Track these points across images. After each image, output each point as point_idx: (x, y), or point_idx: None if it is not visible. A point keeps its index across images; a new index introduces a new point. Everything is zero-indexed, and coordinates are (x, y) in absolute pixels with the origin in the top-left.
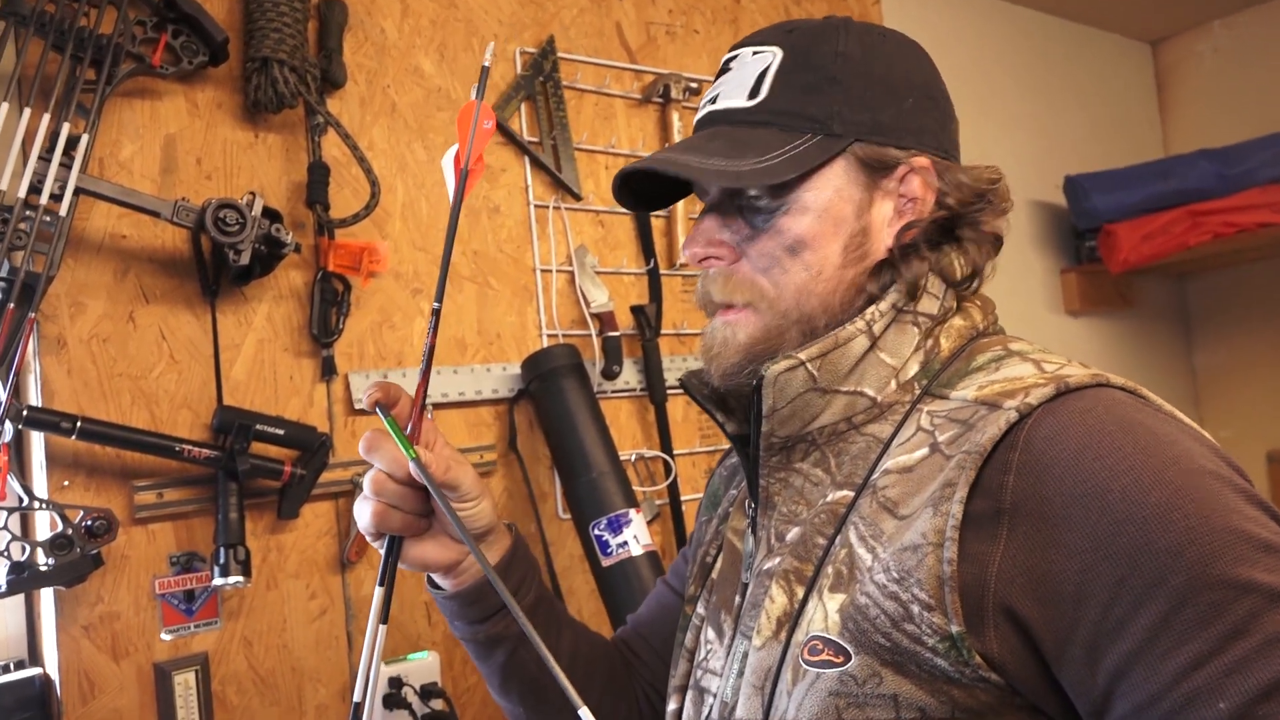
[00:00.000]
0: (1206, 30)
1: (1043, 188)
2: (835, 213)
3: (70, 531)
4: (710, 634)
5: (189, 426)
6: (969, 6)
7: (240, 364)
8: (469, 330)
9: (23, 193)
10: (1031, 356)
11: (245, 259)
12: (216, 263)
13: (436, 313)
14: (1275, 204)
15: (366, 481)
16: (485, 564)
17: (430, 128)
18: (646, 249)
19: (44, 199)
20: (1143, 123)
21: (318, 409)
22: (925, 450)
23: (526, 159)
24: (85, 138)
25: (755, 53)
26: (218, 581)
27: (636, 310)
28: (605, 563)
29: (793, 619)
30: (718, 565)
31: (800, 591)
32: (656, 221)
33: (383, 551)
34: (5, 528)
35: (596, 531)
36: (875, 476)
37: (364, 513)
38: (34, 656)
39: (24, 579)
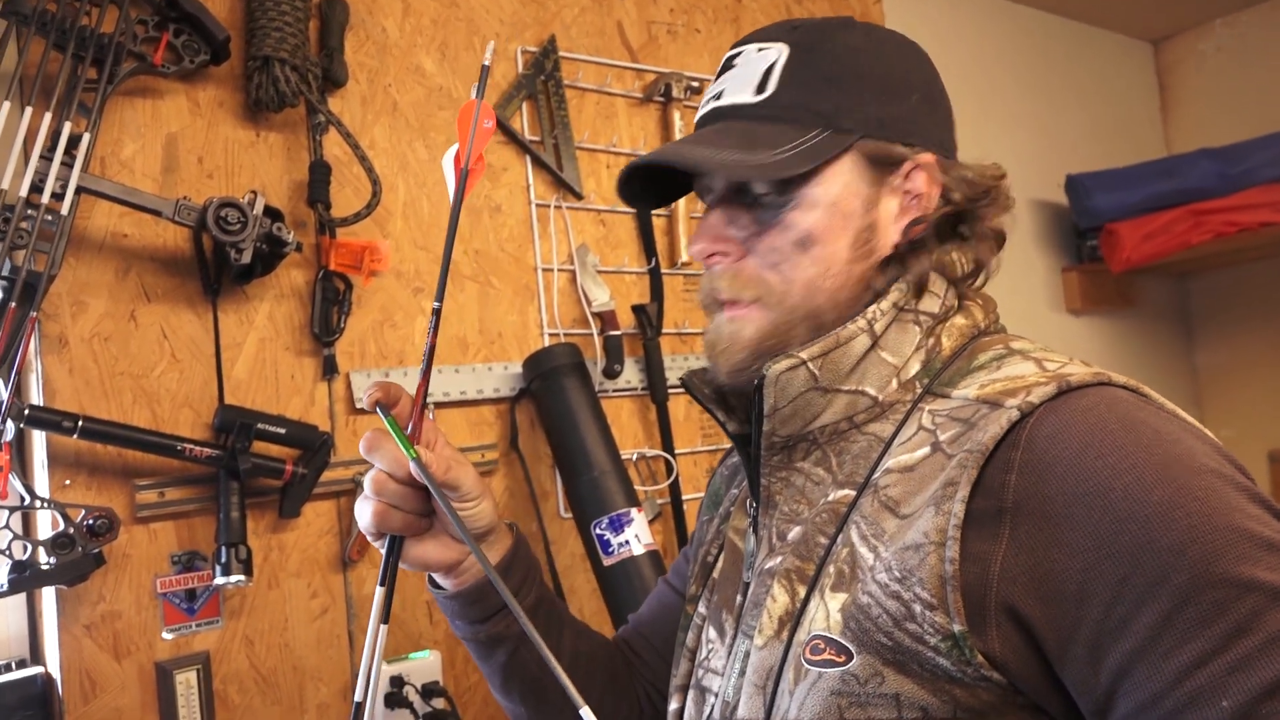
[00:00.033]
0: (1208, 29)
1: (1044, 187)
2: (844, 207)
3: (72, 530)
4: (712, 633)
5: (190, 425)
6: (970, 5)
7: (242, 363)
8: (470, 329)
9: (24, 192)
10: (1033, 355)
11: (247, 258)
12: (218, 262)
13: (437, 312)
14: (1277, 203)
15: (367, 481)
16: (486, 564)
17: (432, 127)
18: (648, 248)
19: (45, 198)
20: (1144, 122)
21: (319, 408)
22: (927, 449)
23: (528, 158)
24: (87, 137)
25: (760, 49)
26: (219, 580)
27: (638, 309)
28: (607, 562)
29: (794, 618)
30: (719, 565)
31: (802, 591)
32: (658, 220)
33: (384, 551)
34: (7, 526)
35: (598, 530)
36: (877, 475)
37: (365, 512)
38: (35, 655)
39: (25, 578)
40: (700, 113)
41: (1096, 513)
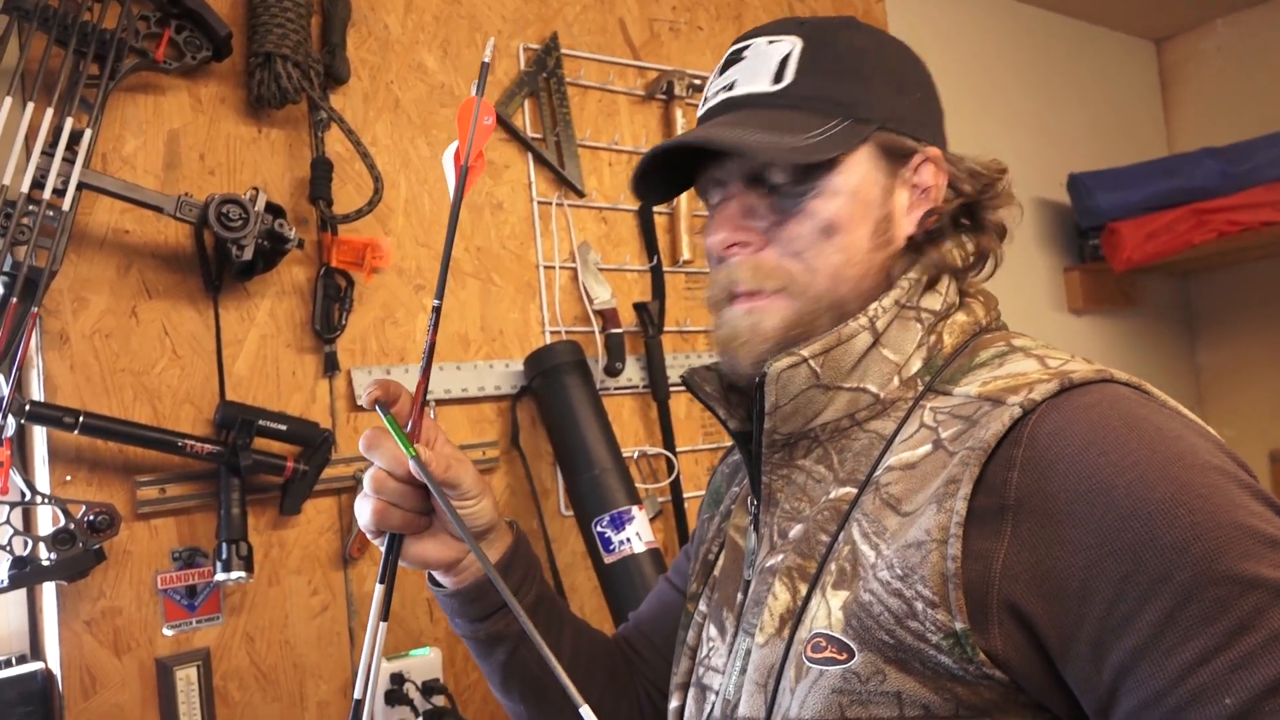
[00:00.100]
0: (1211, 29)
1: (1046, 186)
2: (864, 196)
3: (72, 526)
4: (712, 631)
5: (191, 422)
6: (972, 3)
7: (243, 359)
8: (472, 326)
9: (26, 187)
10: (1035, 352)
11: (248, 254)
12: (219, 258)
13: (437, 310)
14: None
15: (366, 479)
16: (486, 563)
17: (433, 124)
18: (649, 246)
19: (47, 194)
20: (1146, 121)
21: (320, 405)
22: (928, 447)
23: (530, 155)
24: (88, 133)
25: (771, 42)
26: (220, 577)
27: (639, 307)
28: (607, 560)
29: (796, 616)
30: (720, 563)
31: (803, 589)
32: (659, 218)
33: (383, 549)
34: (8, 522)
35: (599, 528)
36: (878, 473)
37: (364, 510)
38: (36, 651)
39: (26, 574)
40: (709, 103)
41: (1099, 510)
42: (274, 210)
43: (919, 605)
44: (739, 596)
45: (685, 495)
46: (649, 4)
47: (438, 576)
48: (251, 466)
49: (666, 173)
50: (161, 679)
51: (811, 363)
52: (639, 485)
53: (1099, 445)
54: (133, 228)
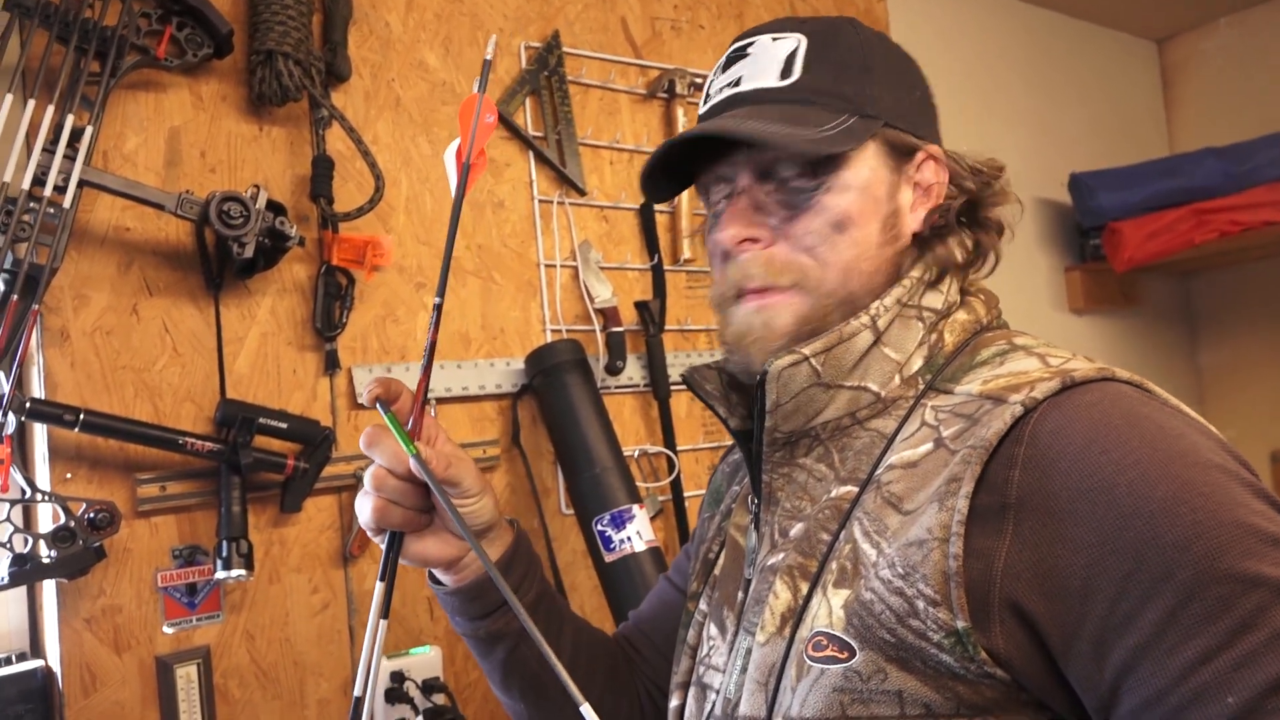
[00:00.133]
0: (1212, 28)
1: (1047, 185)
2: (873, 192)
3: (73, 524)
4: (713, 630)
5: (192, 420)
6: (974, 3)
7: (243, 357)
8: (473, 325)
9: (27, 184)
10: (1036, 351)
11: (249, 252)
12: (220, 256)
13: (438, 308)
14: None
15: (367, 477)
16: (486, 561)
17: (435, 122)
18: (650, 244)
19: (48, 191)
20: (1148, 120)
21: (321, 403)
22: (930, 445)
23: (531, 154)
24: (89, 130)
25: (775, 38)
26: (220, 575)
27: (640, 306)
28: (608, 558)
29: (797, 615)
30: (720, 561)
31: (804, 587)
32: (660, 217)
33: (384, 547)
34: (8, 519)
35: (599, 527)
36: (879, 472)
37: (365, 508)
38: (36, 649)
39: (26, 571)
40: (715, 99)
41: (1101, 508)
42: (275, 208)
43: (920, 604)
44: (739, 595)
45: (686, 494)
46: (650, 2)
47: (438, 574)
48: (252, 464)
49: (669, 170)
50: (162, 677)
51: (813, 361)
52: (640, 484)
53: (1101, 443)
54: (134, 225)
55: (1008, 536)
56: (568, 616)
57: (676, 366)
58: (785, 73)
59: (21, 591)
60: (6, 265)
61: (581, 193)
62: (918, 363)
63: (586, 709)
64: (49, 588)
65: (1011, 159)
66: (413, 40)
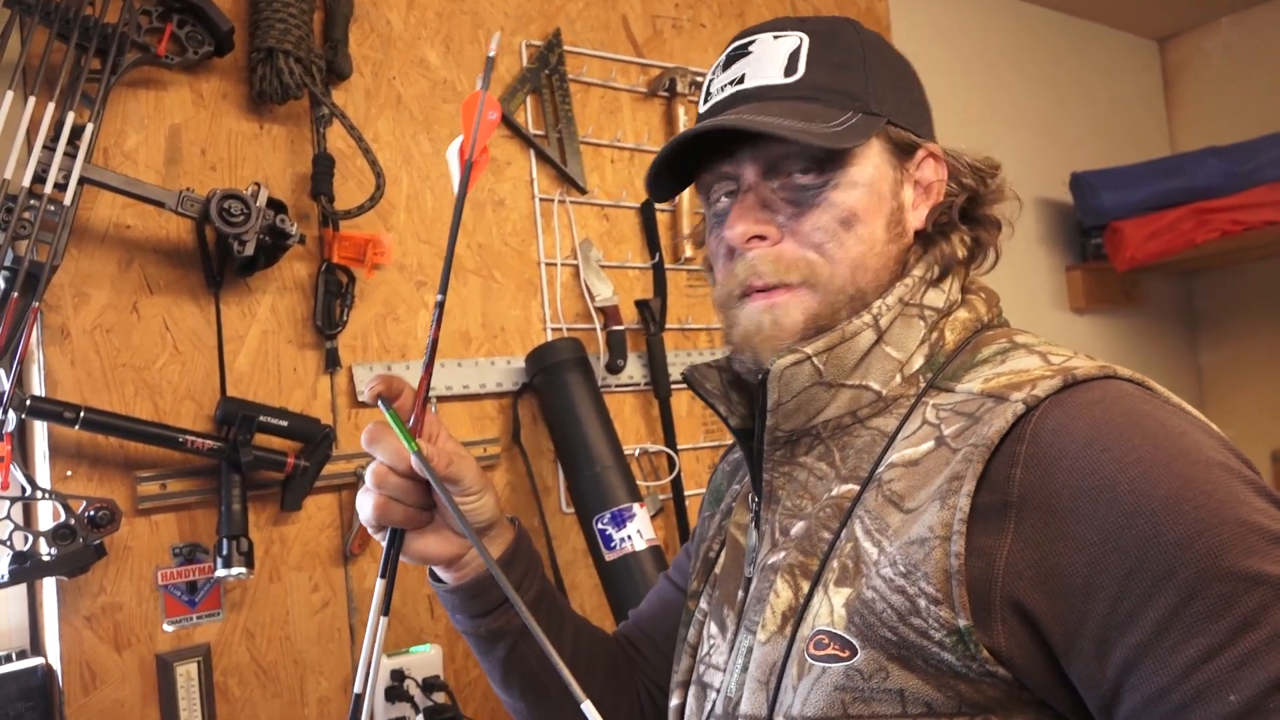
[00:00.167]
0: (1214, 28)
1: (1049, 184)
2: (878, 189)
3: (73, 522)
4: (713, 629)
5: (192, 418)
6: (975, 2)
7: (244, 355)
8: (473, 323)
9: (27, 181)
10: (1037, 349)
11: (249, 250)
12: (221, 254)
13: (440, 305)
14: None
15: (369, 474)
16: (488, 558)
17: (436, 120)
18: (651, 243)
19: (48, 188)
20: (1149, 120)
21: (321, 401)
22: (931, 444)
23: (532, 152)
24: (90, 127)
25: (776, 37)
26: (220, 573)
27: (641, 304)
28: (608, 557)
29: (798, 613)
30: (721, 560)
31: (805, 586)
32: (661, 216)
33: (384, 544)
34: (8, 517)
35: (600, 526)
36: (880, 470)
37: (366, 505)
38: (36, 646)
39: (27, 569)
40: (717, 97)
41: (1103, 507)
42: (275, 206)
43: (922, 602)
44: (740, 594)
45: (686, 493)
46: (652, 1)
47: (439, 572)
48: (252, 462)
49: (671, 168)
50: (162, 675)
51: (815, 360)
52: (640, 483)
53: (1102, 441)
54: (134, 223)
55: (1009, 535)
56: (568, 615)
57: (677, 365)
58: (790, 70)
59: (22, 589)
60: (7, 263)
61: (582, 191)
62: (919, 361)
63: (588, 706)
64: (49, 585)
65: (1013, 158)
66: (414, 38)
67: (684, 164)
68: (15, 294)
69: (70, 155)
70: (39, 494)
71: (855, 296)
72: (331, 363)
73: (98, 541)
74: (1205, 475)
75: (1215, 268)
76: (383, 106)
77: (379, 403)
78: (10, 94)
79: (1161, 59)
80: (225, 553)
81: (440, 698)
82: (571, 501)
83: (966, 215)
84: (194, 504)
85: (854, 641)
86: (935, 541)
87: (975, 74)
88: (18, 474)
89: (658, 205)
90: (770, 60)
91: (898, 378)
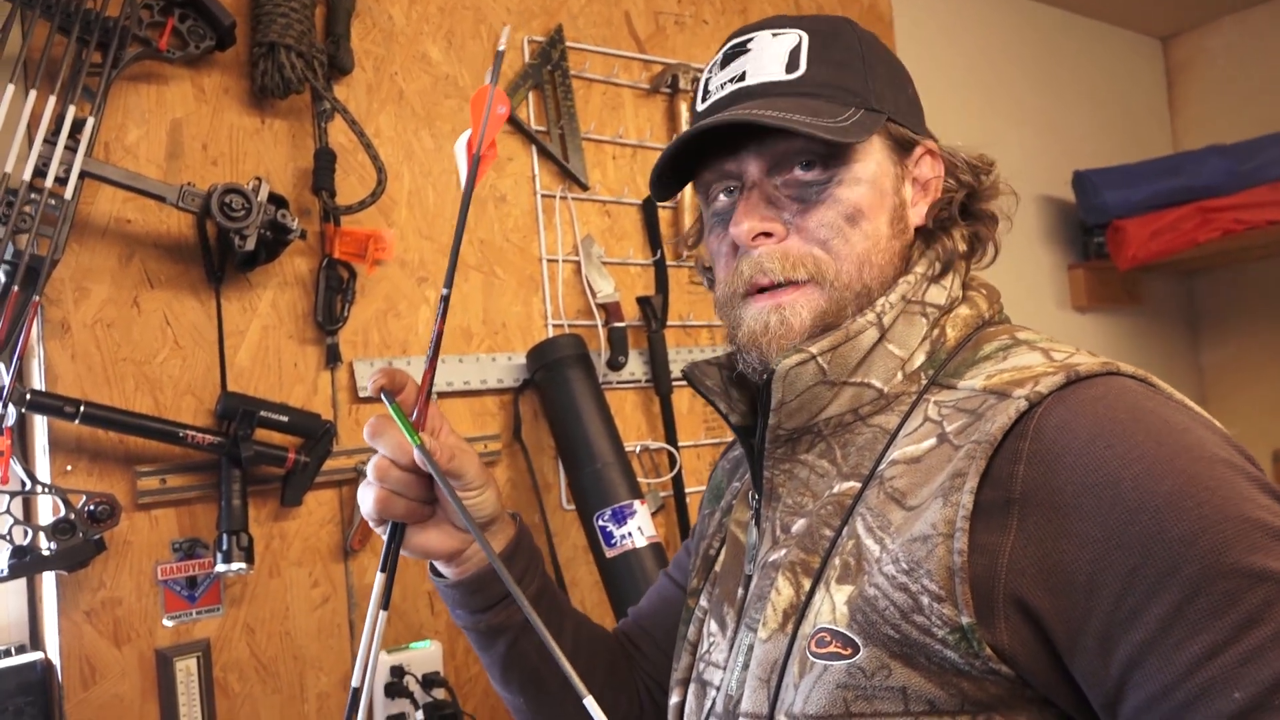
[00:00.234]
0: (1217, 26)
1: (1051, 183)
2: (880, 185)
3: (73, 516)
4: (713, 627)
5: (193, 412)
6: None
7: (245, 350)
8: (474, 319)
9: (28, 175)
10: (1039, 345)
11: (250, 245)
12: (222, 248)
13: (445, 298)
14: None
15: (370, 467)
16: (490, 552)
17: (437, 115)
18: (653, 240)
19: (49, 182)
20: (1152, 118)
21: (322, 396)
22: (933, 441)
23: (534, 148)
24: (91, 121)
25: (775, 34)
26: (220, 568)
27: (643, 301)
28: (609, 554)
29: (799, 611)
30: (721, 558)
31: (807, 583)
32: (663, 212)
33: (385, 538)
34: (8, 512)
35: (600, 522)
36: (882, 467)
37: (367, 498)
38: (35, 641)
39: (26, 563)
40: (717, 94)
41: (1106, 503)
42: (277, 201)
43: (925, 600)
44: (740, 592)
45: (687, 490)
46: None
47: (439, 567)
48: (253, 458)
49: (672, 166)
50: (161, 670)
51: (820, 359)
52: (641, 480)
53: (1105, 438)
54: (135, 217)
55: (1012, 532)
56: (568, 611)
57: (678, 362)
58: (791, 67)
59: (21, 584)
60: (7, 256)
61: (584, 187)
62: (920, 358)
63: (590, 702)
64: (49, 580)
65: (1015, 156)
66: (416, 33)
67: (685, 162)
68: (16, 288)
69: (71, 149)
70: (39, 488)
71: (861, 293)
72: (332, 358)
73: (97, 536)
74: (1209, 471)
75: (1217, 267)
76: (384, 102)
77: (382, 396)
78: (11, 87)
79: (1165, 57)
80: (225, 548)
81: (440, 694)
82: (572, 498)
83: (965, 211)
84: (194, 499)
85: (856, 639)
86: (938, 539)
87: (978, 71)
88: (17, 468)
89: (659, 203)
90: (771, 57)
91: (899, 375)
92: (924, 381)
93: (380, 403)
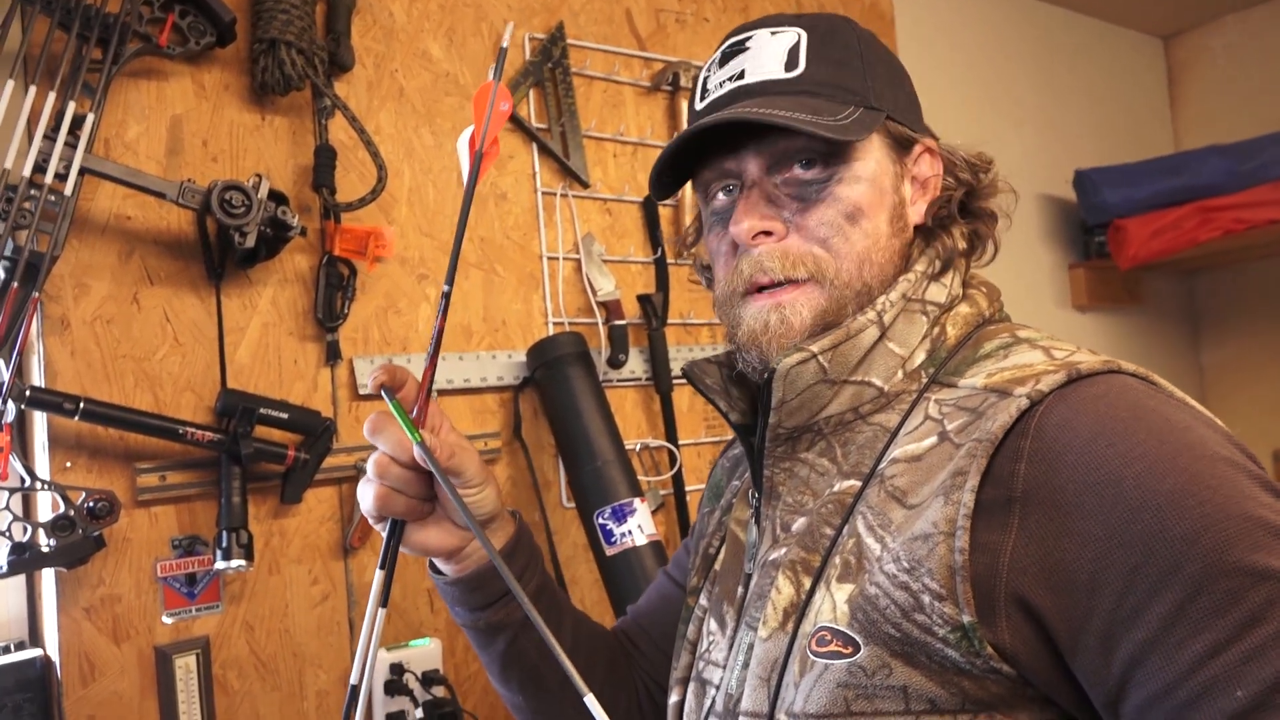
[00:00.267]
0: (1218, 25)
1: (1052, 182)
2: (880, 183)
3: (72, 513)
4: (713, 625)
5: (192, 409)
6: None
7: (244, 347)
8: (475, 317)
9: (27, 171)
10: (1040, 343)
11: (250, 242)
12: (222, 245)
13: (447, 295)
14: None
15: (370, 464)
16: (490, 549)
17: (438, 112)
18: (654, 238)
19: (49, 178)
20: (1153, 118)
21: (322, 393)
22: (934, 439)
23: (534, 146)
24: (91, 117)
25: (774, 33)
26: (219, 565)
27: (643, 299)
28: (609, 552)
29: (800, 610)
30: (720, 557)
31: (807, 582)
32: (664, 210)
33: (385, 535)
34: (7, 508)
35: (600, 520)
36: (883, 466)
37: (367, 495)
38: (34, 638)
39: (25, 560)
40: (716, 93)
41: (1108, 502)
42: (277, 197)
43: (926, 598)
44: (740, 590)
45: (687, 488)
46: None
47: (439, 564)
48: (252, 455)
49: (671, 164)
50: (160, 667)
51: (820, 358)
52: (641, 478)
53: (1107, 436)
54: (135, 214)
55: (1014, 530)
56: (568, 609)
57: (679, 360)
58: (790, 65)
59: (20, 580)
60: (7, 253)
61: (585, 185)
62: (921, 356)
63: (590, 699)
64: (48, 577)
65: (1016, 155)
66: (416, 30)
67: (684, 160)
68: (15, 284)
69: (71, 145)
70: (38, 485)
71: (861, 292)
72: (332, 355)
73: (97, 533)
74: (1210, 470)
75: (1218, 266)
76: (385, 99)
77: (382, 393)
78: (11, 83)
79: (1166, 57)
80: (225, 545)
81: (440, 692)
82: (572, 496)
83: (965, 209)
84: (194, 496)
85: (857, 638)
86: (939, 537)
87: (979, 70)
88: (17, 465)
89: (659, 201)
90: (770, 56)
91: (900, 373)
92: (924, 380)
93: (380, 400)
